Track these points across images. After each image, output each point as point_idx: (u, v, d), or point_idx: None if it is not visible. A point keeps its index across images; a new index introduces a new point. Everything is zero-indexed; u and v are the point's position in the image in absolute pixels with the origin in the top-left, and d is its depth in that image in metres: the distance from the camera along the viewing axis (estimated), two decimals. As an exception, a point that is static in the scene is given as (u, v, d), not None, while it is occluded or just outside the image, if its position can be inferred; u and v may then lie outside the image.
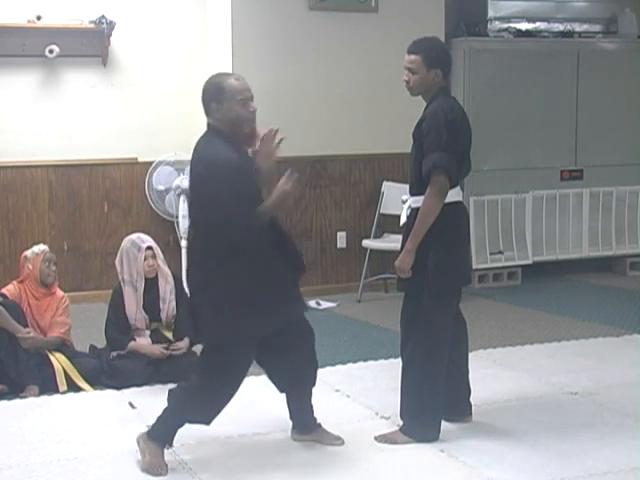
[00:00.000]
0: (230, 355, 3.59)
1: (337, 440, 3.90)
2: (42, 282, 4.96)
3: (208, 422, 3.70)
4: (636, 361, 5.14)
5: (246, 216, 3.49)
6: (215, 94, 3.58)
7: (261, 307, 3.57)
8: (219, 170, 3.48)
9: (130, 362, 4.78)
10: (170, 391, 3.72)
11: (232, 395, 3.67)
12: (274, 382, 3.85)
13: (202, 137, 3.65)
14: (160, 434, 3.69)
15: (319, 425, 3.94)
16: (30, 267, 4.96)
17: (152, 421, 3.73)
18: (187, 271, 3.95)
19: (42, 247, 5.03)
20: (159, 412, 3.71)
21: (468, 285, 4.17)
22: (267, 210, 3.57)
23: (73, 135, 6.77)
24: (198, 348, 4.24)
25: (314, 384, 3.89)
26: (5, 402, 4.53)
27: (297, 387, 3.85)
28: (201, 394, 3.65)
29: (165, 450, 3.71)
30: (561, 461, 3.72)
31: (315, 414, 3.94)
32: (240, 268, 3.54)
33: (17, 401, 4.54)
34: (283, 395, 3.90)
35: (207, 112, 3.63)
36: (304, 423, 3.93)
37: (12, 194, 6.63)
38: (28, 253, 4.99)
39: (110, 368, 4.80)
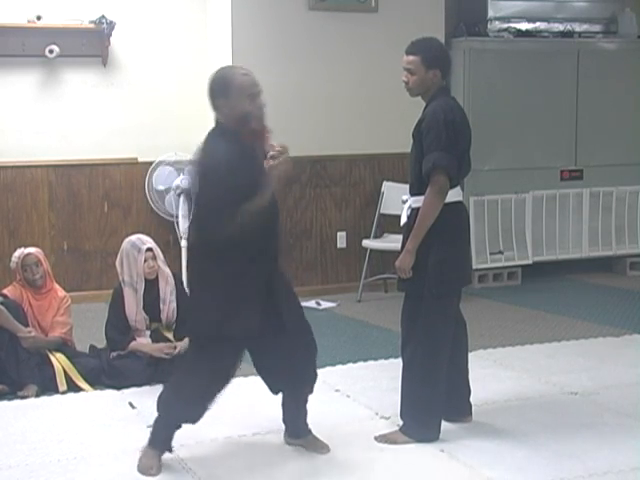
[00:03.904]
0: (212, 354, 3.53)
1: (324, 449, 3.83)
2: (33, 285, 4.97)
3: (194, 421, 3.64)
4: (636, 361, 5.13)
5: (231, 220, 3.37)
6: (223, 89, 3.45)
7: (239, 311, 3.50)
8: (215, 172, 3.39)
9: (130, 362, 4.77)
10: (158, 396, 3.68)
11: (216, 394, 3.60)
12: (267, 383, 3.77)
13: (209, 134, 3.53)
14: (158, 441, 3.67)
15: (309, 431, 3.88)
16: (18, 277, 5.00)
17: (152, 421, 3.72)
18: (186, 267, 3.95)
19: (18, 253, 5.00)
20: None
21: (468, 285, 4.17)
22: (259, 203, 3.42)
23: (73, 135, 6.76)
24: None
25: (311, 391, 3.82)
26: (5, 402, 4.52)
27: (292, 390, 3.77)
28: (184, 392, 3.58)
29: (166, 453, 3.71)
30: (561, 461, 3.72)
31: (315, 416, 3.92)
32: (224, 269, 3.49)
33: (17, 401, 4.54)
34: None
35: (214, 108, 3.49)
36: (296, 428, 3.87)
37: (12, 194, 6.63)
38: (12, 264, 5.01)
39: (110, 368, 4.79)
